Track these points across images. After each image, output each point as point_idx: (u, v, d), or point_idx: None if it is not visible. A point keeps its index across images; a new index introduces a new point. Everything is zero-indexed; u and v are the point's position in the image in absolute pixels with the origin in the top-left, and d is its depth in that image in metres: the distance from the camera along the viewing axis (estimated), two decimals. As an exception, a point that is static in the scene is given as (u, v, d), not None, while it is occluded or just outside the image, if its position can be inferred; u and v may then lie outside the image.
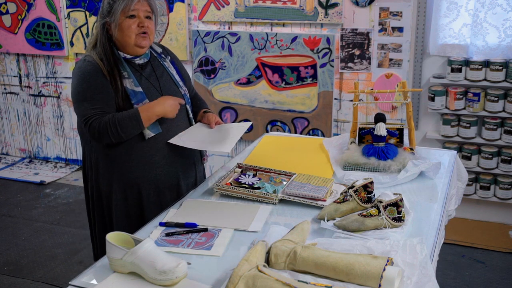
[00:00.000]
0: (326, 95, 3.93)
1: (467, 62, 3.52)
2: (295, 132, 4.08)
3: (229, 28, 4.10)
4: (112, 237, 1.66)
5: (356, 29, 3.75)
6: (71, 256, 3.56)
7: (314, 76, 3.93)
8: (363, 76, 3.83)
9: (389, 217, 1.80)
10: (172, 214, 2.01)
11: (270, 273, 1.45)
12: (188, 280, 1.58)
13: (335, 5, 3.76)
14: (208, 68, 4.20)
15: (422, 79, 3.73)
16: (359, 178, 2.03)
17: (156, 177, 2.25)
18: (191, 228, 1.88)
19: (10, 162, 5.22)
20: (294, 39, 3.91)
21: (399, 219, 1.82)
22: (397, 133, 2.40)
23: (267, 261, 1.59)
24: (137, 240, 1.65)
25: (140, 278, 1.60)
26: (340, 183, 2.21)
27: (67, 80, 4.83)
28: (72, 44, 4.69)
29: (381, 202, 1.83)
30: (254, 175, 2.22)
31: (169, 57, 2.42)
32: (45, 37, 4.76)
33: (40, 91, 4.99)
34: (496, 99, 3.48)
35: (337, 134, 3.69)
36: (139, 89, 2.20)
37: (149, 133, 2.20)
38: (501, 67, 3.44)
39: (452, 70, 3.55)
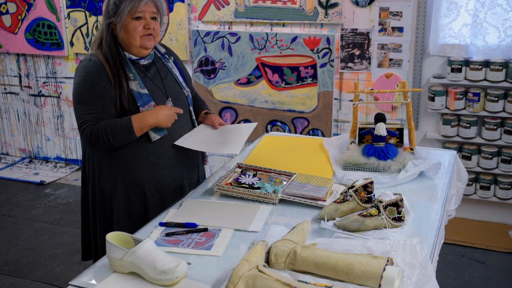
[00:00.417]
0: (326, 95, 3.93)
1: (467, 62, 3.52)
2: (295, 132, 4.08)
3: (229, 28, 4.10)
4: (112, 237, 1.66)
5: (356, 29, 3.75)
6: (71, 256, 3.56)
7: (314, 76, 3.93)
8: (363, 76, 3.83)
9: (389, 217, 1.80)
10: (172, 214, 2.01)
11: (270, 273, 1.45)
12: (188, 280, 1.58)
13: (335, 5, 3.76)
14: (208, 68, 4.20)
15: (422, 79, 3.73)
16: (359, 178, 2.03)
17: (161, 178, 2.25)
18: (191, 228, 1.88)
19: (10, 162, 5.22)
20: (294, 39, 3.91)
21: (399, 219, 1.82)
22: (397, 133, 2.40)
23: (267, 261, 1.59)
24: (137, 240, 1.65)
25: (140, 278, 1.60)
26: (340, 183, 2.21)
27: (67, 80, 4.83)
28: (72, 44, 4.69)
29: (381, 202, 1.83)
30: (254, 175, 2.22)
31: (172, 58, 2.42)
32: (45, 37, 4.76)
33: (40, 91, 4.99)
34: (496, 99, 3.48)
35: (337, 134, 3.69)
36: (145, 91, 2.19)
37: (154, 136, 2.19)
38: (501, 67, 3.44)
39: (452, 70, 3.55)
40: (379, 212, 1.81)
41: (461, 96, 3.57)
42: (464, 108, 3.59)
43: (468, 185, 3.59)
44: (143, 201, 2.24)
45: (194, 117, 2.40)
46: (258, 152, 2.62)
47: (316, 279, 1.53)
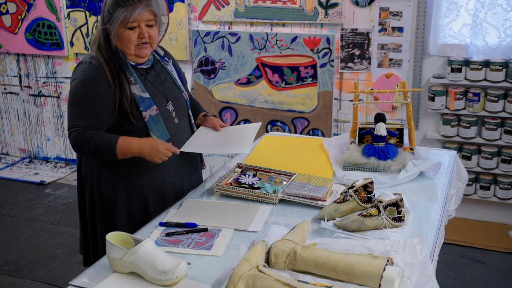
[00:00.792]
0: (326, 95, 3.93)
1: (467, 62, 3.52)
2: (295, 132, 4.08)
3: (229, 28, 4.10)
4: (112, 237, 1.66)
5: (356, 29, 3.75)
6: (71, 256, 3.56)
7: (314, 76, 3.93)
8: (363, 76, 3.83)
9: (389, 217, 1.80)
10: (172, 214, 2.01)
11: (270, 273, 1.45)
12: (188, 280, 1.58)
13: (335, 5, 3.76)
14: (208, 68, 4.20)
15: (422, 79, 3.73)
16: (359, 178, 2.03)
17: (163, 183, 2.22)
18: (191, 228, 1.88)
19: (10, 162, 5.22)
20: (294, 39, 3.91)
21: (399, 219, 1.82)
22: (397, 133, 2.40)
23: (267, 261, 1.59)
24: (137, 240, 1.65)
25: (140, 278, 1.60)
26: (340, 183, 2.21)
27: (67, 80, 4.83)
28: (72, 44, 4.69)
29: (381, 202, 1.83)
30: (254, 175, 2.22)
31: (171, 60, 2.38)
32: (45, 37, 4.76)
33: (40, 91, 4.99)
34: (496, 99, 3.48)
35: (337, 134, 3.69)
36: (146, 95, 2.15)
37: None
38: (501, 67, 3.44)
39: (452, 70, 3.55)
40: (379, 212, 1.81)
41: (461, 96, 3.57)
42: (464, 108, 3.59)
43: (468, 185, 3.59)
44: (144, 206, 2.21)
45: (193, 121, 2.37)
46: (258, 152, 2.62)
47: (316, 279, 1.53)
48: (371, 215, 1.81)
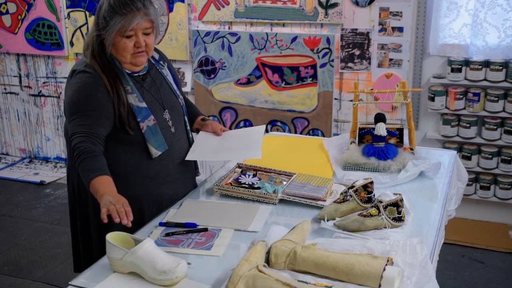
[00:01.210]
0: (326, 95, 3.93)
1: (467, 62, 3.52)
2: (295, 132, 4.08)
3: (229, 28, 4.10)
4: (112, 237, 1.66)
5: (356, 29, 3.75)
6: (71, 256, 3.54)
7: (314, 76, 3.93)
8: (363, 76, 3.83)
9: (389, 217, 1.80)
10: (172, 214, 2.01)
11: (270, 273, 1.45)
12: (188, 280, 1.58)
13: (335, 5, 3.76)
14: (208, 68, 4.20)
15: (422, 79, 3.73)
16: (359, 178, 2.03)
17: (160, 195, 2.16)
18: (191, 228, 1.88)
19: (10, 162, 5.22)
20: (294, 39, 3.91)
21: (399, 219, 1.82)
22: (397, 133, 2.40)
23: (267, 261, 1.59)
24: (137, 240, 1.65)
25: (140, 278, 1.60)
26: (340, 183, 2.21)
27: (67, 80, 4.83)
28: (72, 44, 4.69)
29: (381, 202, 1.83)
30: (254, 175, 2.22)
31: (166, 63, 2.31)
32: (45, 37, 4.76)
33: (40, 91, 4.99)
34: (496, 99, 3.48)
35: (337, 134, 3.69)
36: (143, 104, 2.07)
37: (156, 152, 2.09)
38: (501, 67, 3.44)
39: (452, 70, 3.55)
40: (379, 212, 1.81)
41: (461, 96, 3.57)
42: (464, 108, 3.59)
43: (468, 185, 3.59)
44: (141, 216, 2.12)
45: (188, 127, 2.30)
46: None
47: (316, 279, 1.53)
48: (371, 215, 1.81)
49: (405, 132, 2.45)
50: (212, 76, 4.21)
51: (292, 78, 3.99)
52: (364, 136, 2.42)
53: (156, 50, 2.29)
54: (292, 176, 2.22)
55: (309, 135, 4.03)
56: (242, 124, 4.22)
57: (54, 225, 4.00)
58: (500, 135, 3.58)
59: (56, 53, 4.77)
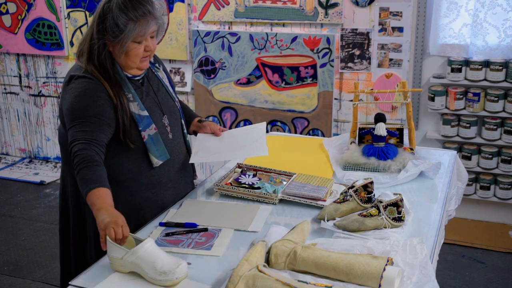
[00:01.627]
0: (326, 95, 3.93)
1: (467, 62, 3.52)
2: (295, 132, 4.08)
3: (229, 28, 4.10)
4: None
5: (356, 29, 3.75)
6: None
7: (314, 76, 3.93)
8: (363, 76, 3.83)
9: (389, 217, 1.80)
10: (172, 214, 2.01)
11: (270, 273, 1.45)
12: (188, 280, 1.58)
13: (335, 5, 3.76)
14: (208, 68, 4.20)
15: (422, 79, 3.73)
16: (359, 178, 2.03)
17: (162, 200, 2.14)
18: (191, 228, 1.88)
19: (10, 162, 5.22)
20: (294, 39, 3.91)
21: (399, 219, 1.82)
22: (397, 133, 2.40)
23: (267, 261, 1.59)
24: (138, 240, 1.65)
25: (140, 278, 1.60)
26: (340, 183, 2.21)
27: (67, 80, 4.83)
28: (72, 44, 4.69)
29: (381, 202, 1.83)
30: (254, 175, 2.22)
31: (162, 66, 2.28)
32: (45, 37, 4.76)
33: (40, 91, 4.99)
34: (496, 99, 3.48)
35: (337, 134, 3.69)
36: (145, 112, 2.04)
37: (157, 162, 2.07)
38: (501, 67, 3.44)
39: (452, 70, 3.55)
40: (379, 212, 1.81)
41: (461, 96, 3.57)
42: (464, 108, 3.59)
43: (468, 185, 3.59)
44: (143, 222, 2.06)
45: (185, 130, 2.27)
46: (258, 152, 2.62)
47: (316, 279, 1.53)
48: (371, 215, 1.81)
49: (405, 132, 2.45)
50: (212, 76, 4.21)
51: (292, 78, 3.99)
52: (364, 136, 2.42)
53: None
54: (292, 176, 2.22)
55: (309, 135, 4.03)
56: (242, 124, 4.22)
57: (54, 225, 4.00)
58: (500, 135, 3.58)
59: (56, 53, 4.77)
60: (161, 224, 1.93)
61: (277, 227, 1.81)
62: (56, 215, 4.13)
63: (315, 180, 2.16)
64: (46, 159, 5.18)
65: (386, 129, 2.36)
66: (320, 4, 3.80)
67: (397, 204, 1.82)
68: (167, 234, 1.84)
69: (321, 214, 1.90)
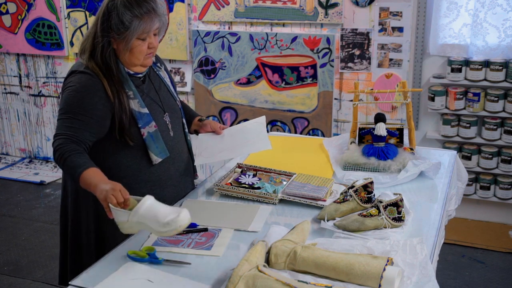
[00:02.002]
0: (326, 95, 3.93)
1: (467, 62, 3.52)
2: (295, 132, 4.08)
3: (229, 28, 4.10)
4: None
5: (356, 29, 3.75)
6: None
7: (314, 76, 3.93)
8: (363, 76, 3.83)
9: (389, 217, 1.80)
10: (172, 214, 2.01)
11: (270, 273, 1.45)
12: (188, 280, 1.58)
13: (335, 5, 3.76)
14: (208, 68, 4.20)
15: (422, 79, 3.73)
16: (359, 178, 2.03)
17: (162, 198, 2.06)
18: (191, 228, 1.88)
19: (10, 162, 5.22)
20: (294, 39, 3.91)
21: (399, 219, 1.82)
22: (397, 133, 2.41)
23: (267, 261, 1.59)
24: (140, 200, 1.70)
25: (141, 279, 1.60)
26: (340, 183, 2.21)
27: (67, 80, 4.82)
28: (72, 44, 4.69)
29: (381, 202, 1.83)
30: (254, 175, 2.22)
31: (163, 66, 2.29)
32: (45, 37, 4.76)
33: (40, 91, 5.00)
34: (496, 99, 3.48)
35: (337, 134, 3.69)
36: (145, 110, 2.05)
37: (156, 159, 2.07)
38: (501, 67, 3.44)
39: (452, 70, 3.55)
40: (379, 212, 1.81)
41: (461, 96, 3.57)
42: (464, 108, 3.59)
43: (468, 185, 3.59)
44: None
45: (186, 129, 2.28)
46: (258, 152, 2.62)
47: (316, 279, 1.53)
48: (371, 215, 1.81)
49: (405, 132, 2.45)
50: (212, 76, 4.21)
51: (292, 78, 3.99)
52: (364, 136, 2.42)
53: None
54: (292, 176, 2.22)
55: (309, 135, 4.03)
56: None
57: (54, 225, 4.00)
58: (500, 135, 3.58)
59: (56, 53, 4.77)
60: (161, 224, 1.93)
61: (277, 227, 1.81)
62: (56, 215, 4.14)
63: (315, 180, 2.16)
64: (46, 159, 5.19)
65: (386, 129, 2.36)
66: (320, 4, 3.80)
67: (397, 204, 1.82)
68: (167, 234, 1.84)
69: (321, 214, 1.90)
